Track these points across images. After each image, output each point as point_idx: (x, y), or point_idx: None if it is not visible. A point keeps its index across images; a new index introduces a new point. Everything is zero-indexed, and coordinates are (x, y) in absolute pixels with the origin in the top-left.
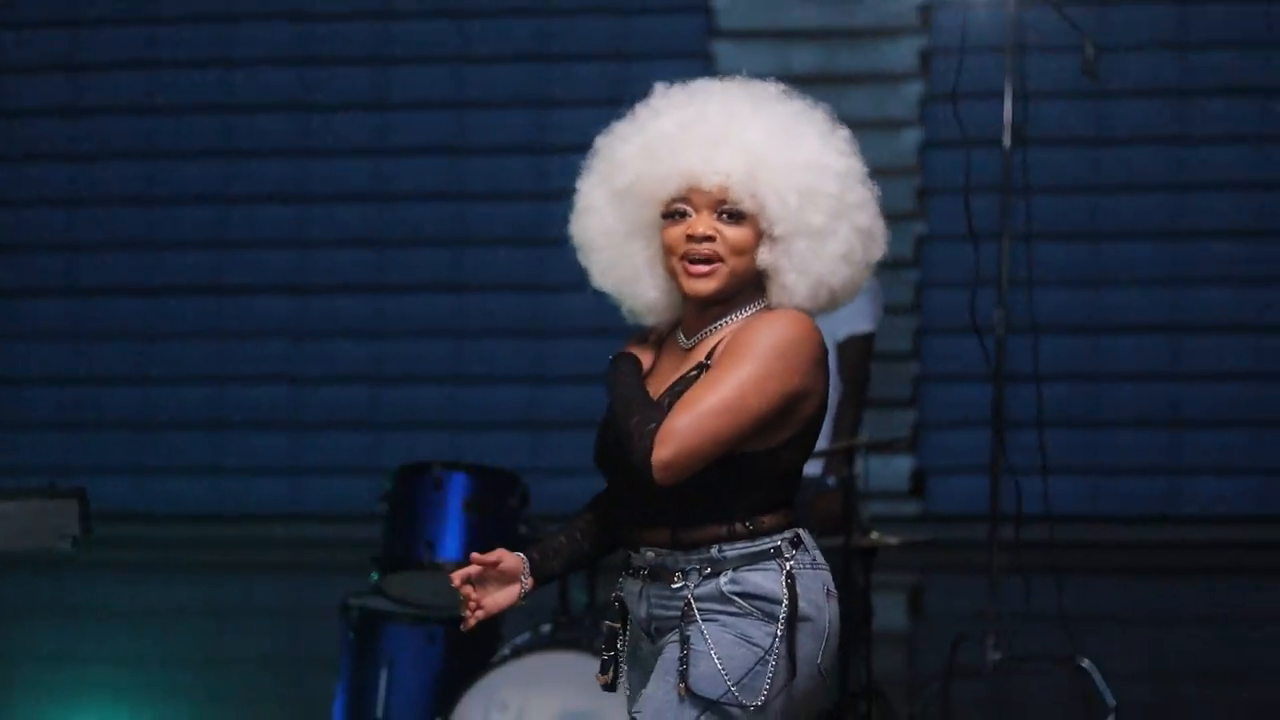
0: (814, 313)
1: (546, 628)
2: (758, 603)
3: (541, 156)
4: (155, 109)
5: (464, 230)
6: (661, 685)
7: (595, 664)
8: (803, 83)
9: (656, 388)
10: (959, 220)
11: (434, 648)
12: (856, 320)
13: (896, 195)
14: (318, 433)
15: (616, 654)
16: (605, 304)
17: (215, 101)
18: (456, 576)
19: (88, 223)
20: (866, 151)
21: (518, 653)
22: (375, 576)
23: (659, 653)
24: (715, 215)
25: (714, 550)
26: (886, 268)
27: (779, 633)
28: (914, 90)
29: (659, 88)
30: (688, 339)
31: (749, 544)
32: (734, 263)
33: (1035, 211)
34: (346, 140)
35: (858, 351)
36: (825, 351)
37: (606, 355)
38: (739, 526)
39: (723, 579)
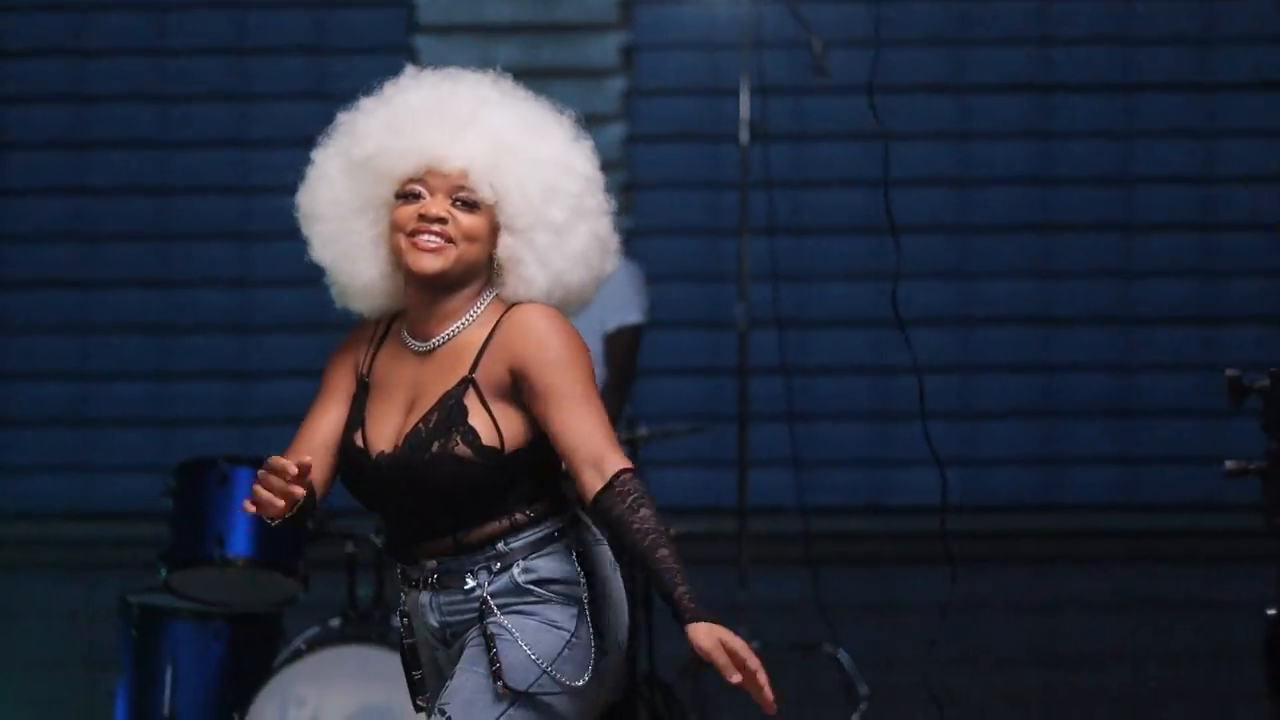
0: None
1: (335, 622)
2: (554, 587)
3: (243, 150)
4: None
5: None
6: (470, 676)
7: (387, 657)
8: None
9: (406, 397)
10: (666, 214)
11: (218, 644)
12: (625, 311)
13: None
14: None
15: (423, 673)
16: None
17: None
18: (291, 464)
19: None
20: None
21: (310, 648)
22: (164, 573)
23: (459, 655)
24: (450, 200)
25: (500, 545)
26: None
27: (583, 612)
28: (617, 85)
29: (409, 69)
30: (421, 341)
31: (533, 532)
32: (464, 248)
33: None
34: None
35: (626, 342)
36: None
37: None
38: (519, 517)
39: (515, 571)
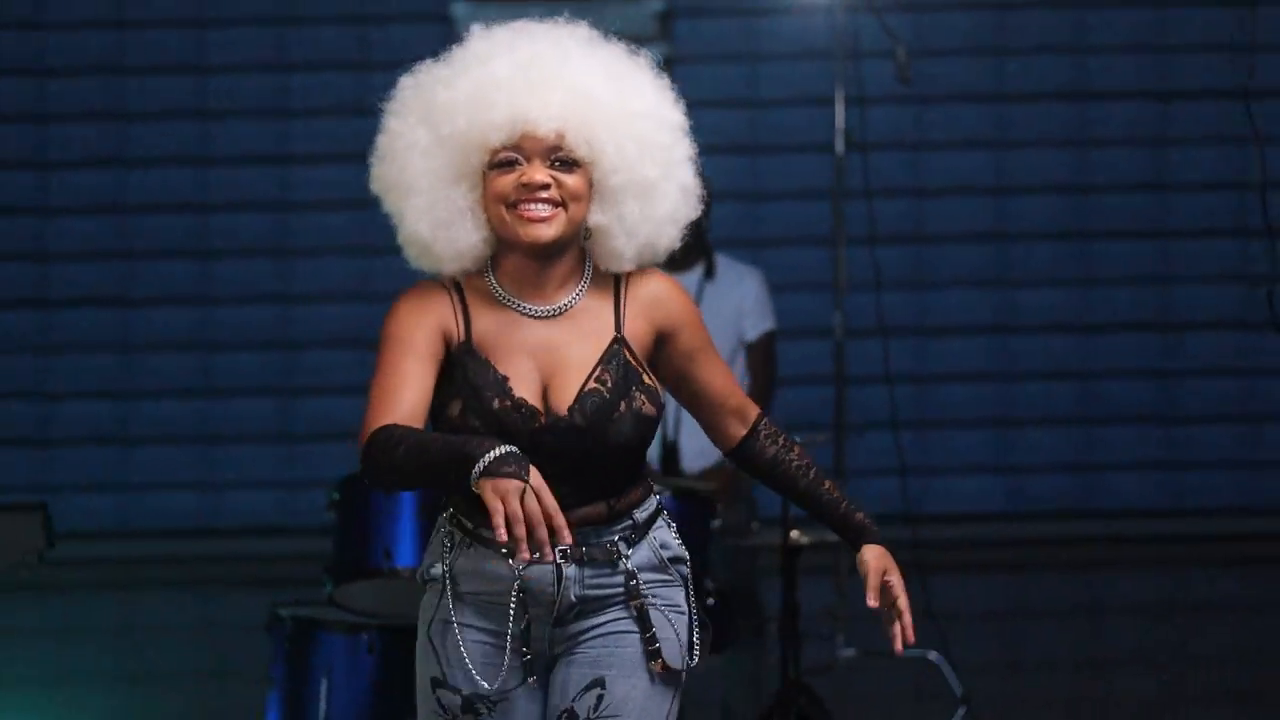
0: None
1: None
2: (680, 567)
3: (283, 166)
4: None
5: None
6: (636, 679)
7: None
8: None
9: (541, 361)
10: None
11: (370, 656)
12: (762, 319)
13: None
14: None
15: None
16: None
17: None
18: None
19: None
20: None
21: None
22: (329, 587)
23: (580, 634)
24: (548, 163)
25: (636, 514)
26: None
27: (689, 591)
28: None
29: (477, 30)
30: (538, 305)
31: (651, 501)
32: (573, 210)
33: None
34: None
35: (766, 349)
36: None
37: None
38: (644, 486)
39: (648, 544)
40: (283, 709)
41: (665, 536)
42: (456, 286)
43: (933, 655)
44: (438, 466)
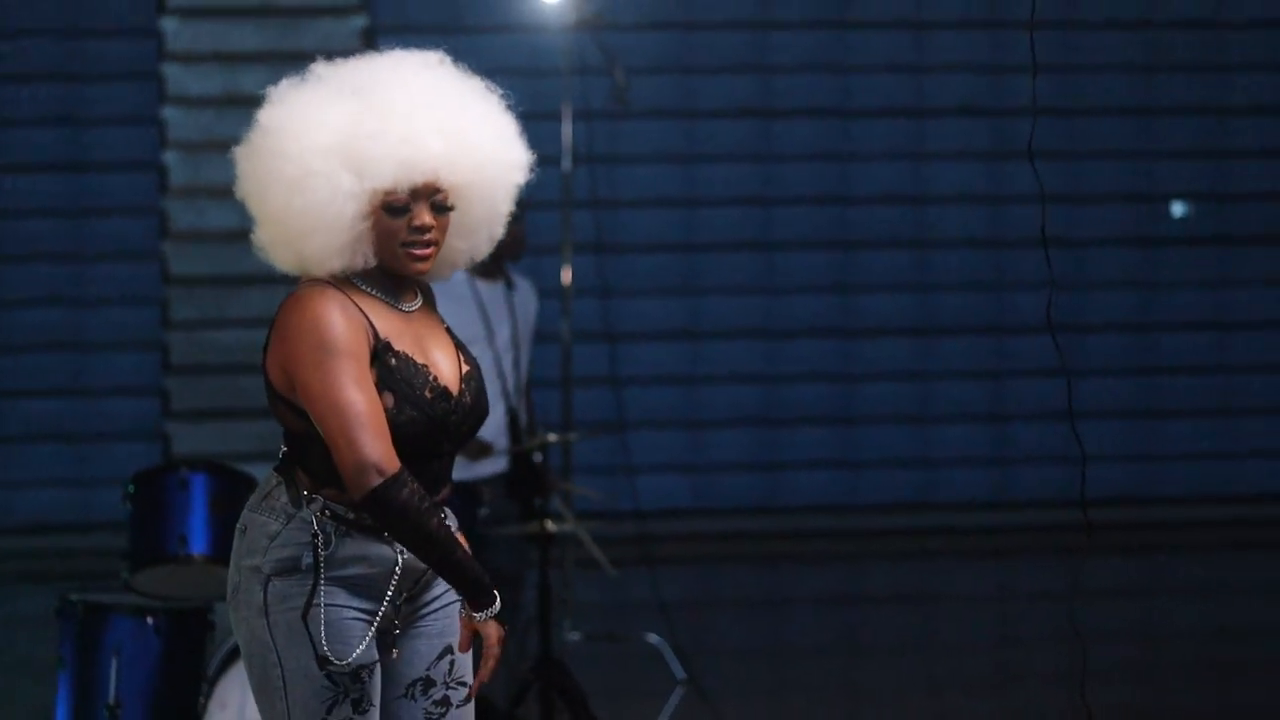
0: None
1: None
2: None
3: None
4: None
5: None
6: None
7: None
8: (252, 103)
9: (421, 350)
10: None
11: (158, 637)
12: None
13: None
14: None
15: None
16: None
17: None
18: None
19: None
20: None
21: None
22: (126, 574)
23: (422, 608)
24: (429, 206)
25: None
26: None
27: None
28: None
29: (376, 65)
30: (406, 303)
31: None
32: (443, 244)
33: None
34: None
35: None
36: None
37: None
38: None
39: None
40: (73, 688)
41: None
42: (347, 294)
43: (653, 638)
44: (454, 570)
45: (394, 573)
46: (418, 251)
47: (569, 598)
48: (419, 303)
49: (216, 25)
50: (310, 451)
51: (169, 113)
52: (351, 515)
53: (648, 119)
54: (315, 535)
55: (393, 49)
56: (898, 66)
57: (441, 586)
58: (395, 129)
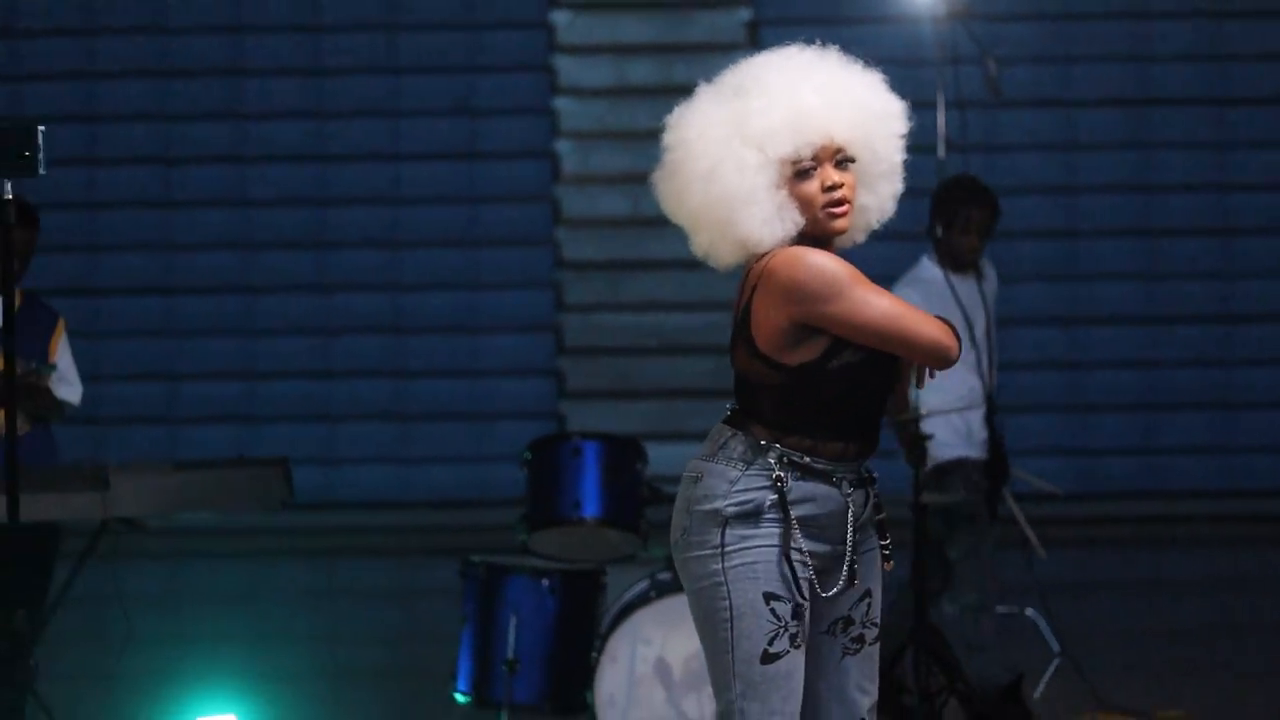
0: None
1: (665, 575)
2: None
3: (395, 163)
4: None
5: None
6: (880, 588)
7: None
8: (640, 94)
9: None
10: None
11: (553, 596)
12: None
13: None
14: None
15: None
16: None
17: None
18: None
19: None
20: None
21: (660, 592)
22: (523, 536)
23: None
24: (834, 164)
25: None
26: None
27: None
28: None
29: (759, 60)
30: None
31: None
32: (855, 200)
33: None
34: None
35: None
36: None
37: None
38: None
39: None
40: (474, 643)
41: None
42: None
43: (1030, 612)
44: None
45: (847, 513)
46: (837, 210)
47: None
48: None
49: (606, 18)
50: (769, 403)
51: (561, 103)
52: (806, 459)
53: (1022, 108)
54: (777, 478)
55: (777, 42)
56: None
57: (868, 534)
58: (779, 102)
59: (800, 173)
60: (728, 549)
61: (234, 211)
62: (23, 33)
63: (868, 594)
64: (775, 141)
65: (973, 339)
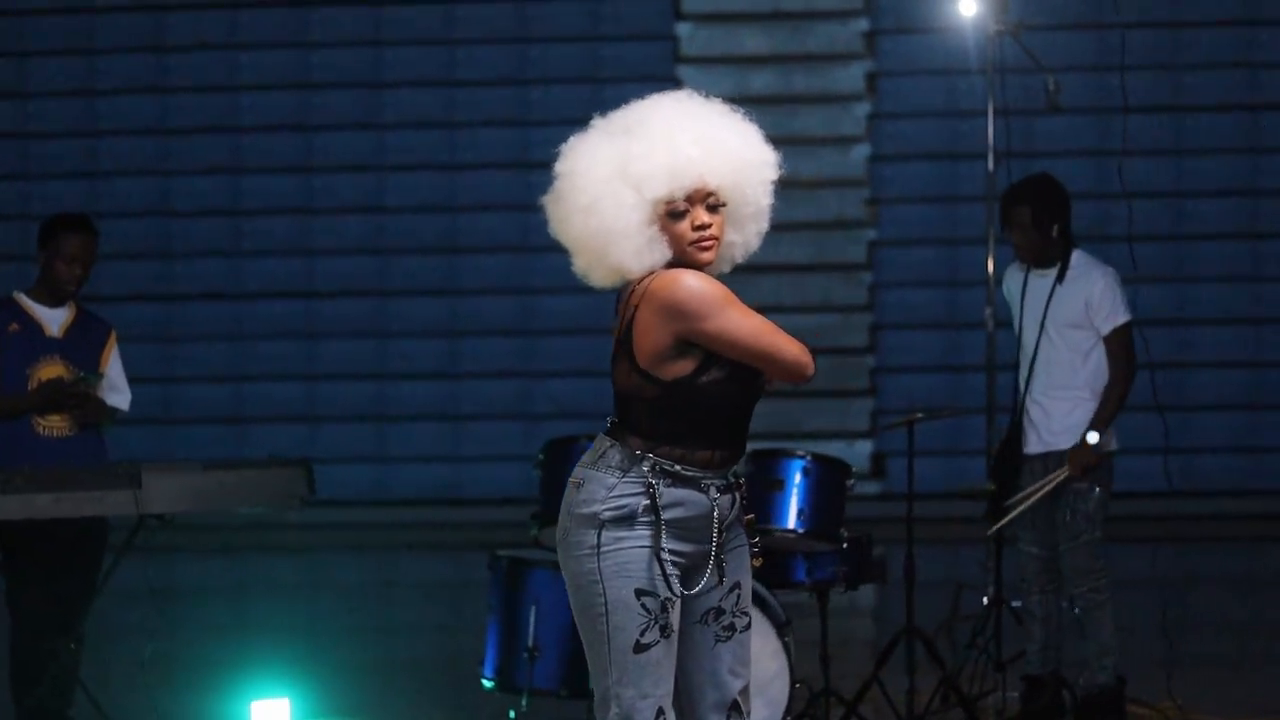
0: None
1: None
2: None
3: (527, 171)
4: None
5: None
6: (748, 579)
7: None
8: (761, 103)
9: None
10: (907, 227)
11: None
12: (1116, 313)
13: (848, 204)
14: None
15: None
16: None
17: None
18: None
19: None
20: (820, 165)
21: None
22: (534, 530)
23: (720, 549)
24: (705, 207)
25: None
26: (842, 270)
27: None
28: (862, 109)
29: (643, 104)
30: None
31: None
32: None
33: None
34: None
35: (1121, 340)
36: None
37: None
38: None
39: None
40: (500, 632)
41: None
42: None
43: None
44: None
45: (713, 515)
46: (704, 245)
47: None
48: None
49: (728, 29)
50: (645, 416)
51: None
52: (676, 468)
53: (1070, 115)
54: (650, 485)
55: (894, 51)
56: None
57: (735, 533)
58: (659, 147)
59: (673, 213)
60: (603, 549)
61: (298, 220)
62: (99, 50)
63: (736, 585)
64: (652, 184)
65: (1019, 329)
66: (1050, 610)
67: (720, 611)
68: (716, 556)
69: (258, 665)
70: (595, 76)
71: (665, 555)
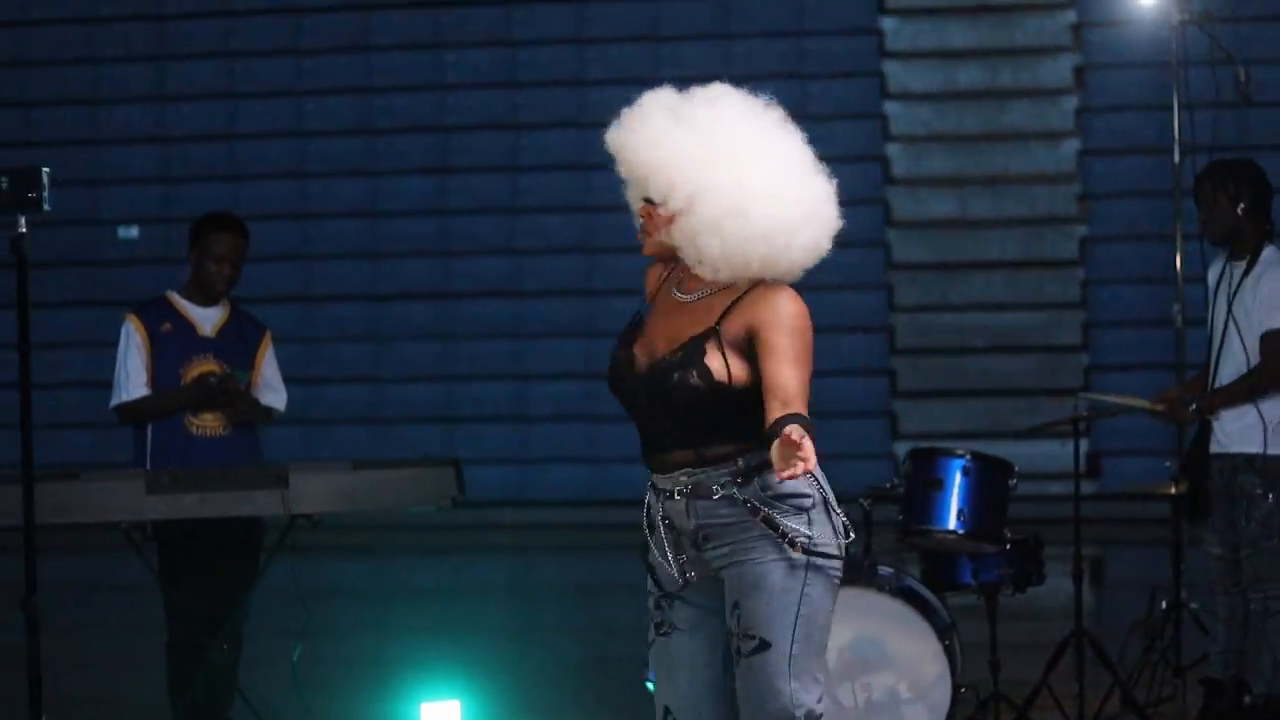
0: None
1: None
2: (790, 500)
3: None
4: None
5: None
6: (764, 566)
7: (876, 597)
8: (967, 98)
9: (662, 332)
10: (1118, 223)
11: None
12: (1273, 315)
13: (1058, 201)
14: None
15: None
16: None
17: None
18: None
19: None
20: (1030, 160)
21: None
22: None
23: (718, 558)
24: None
25: (739, 462)
26: (1054, 267)
27: (810, 521)
28: (1070, 103)
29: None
30: (684, 294)
31: (758, 455)
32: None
33: None
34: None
35: (1270, 344)
36: None
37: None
38: (749, 441)
39: (757, 484)
40: None
41: (775, 479)
42: (669, 273)
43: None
44: None
45: (645, 518)
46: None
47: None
48: (698, 297)
49: (934, 23)
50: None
51: (890, 107)
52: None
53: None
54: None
55: (1101, 44)
56: None
57: (733, 549)
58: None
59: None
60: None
61: (436, 220)
62: (239, 53)
63: (736, 606)
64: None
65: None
66: (1234, 612)
67: (730, 634)
68: (666, 558)
69: (414, 666)
70: (801, 72)
71: (652, 557)
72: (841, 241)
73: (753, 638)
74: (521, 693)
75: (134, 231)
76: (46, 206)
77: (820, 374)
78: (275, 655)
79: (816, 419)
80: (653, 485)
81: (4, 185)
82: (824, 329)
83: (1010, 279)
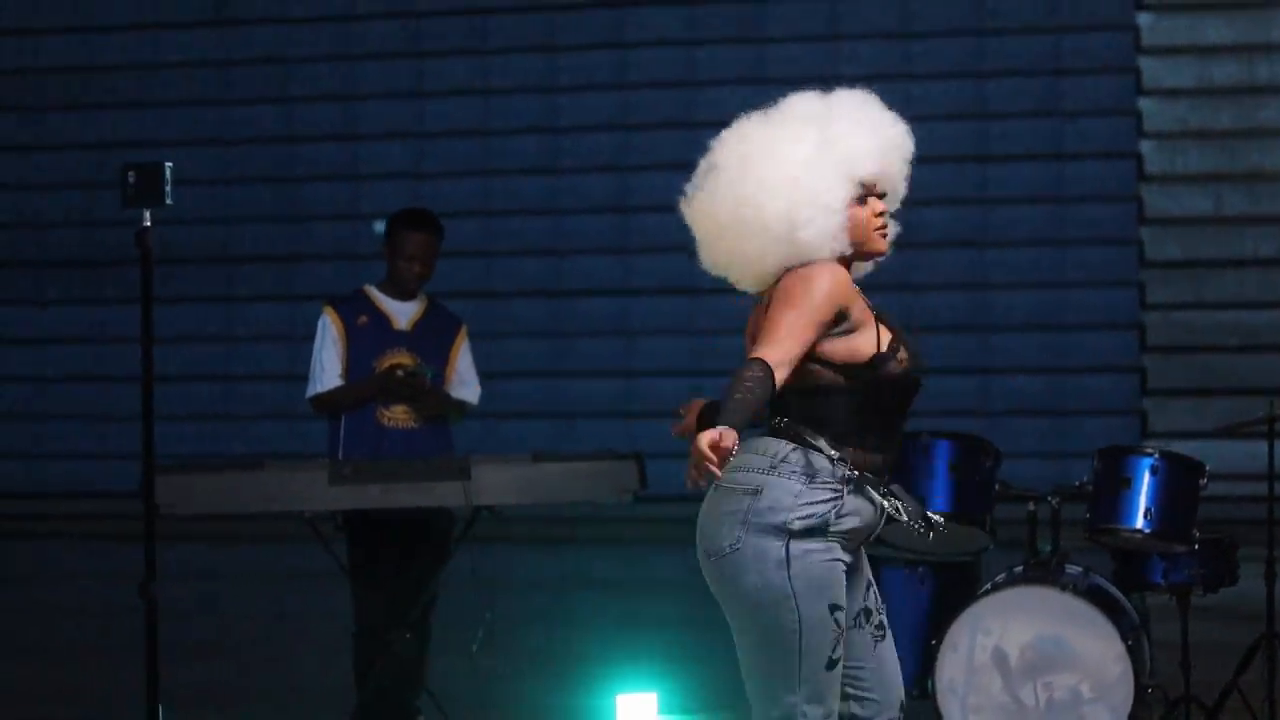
0: None
1: (1019, 568)
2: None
3: (983, 164)
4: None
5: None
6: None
7: (1060, 596)
8: (1223, 94)
9: (893, 327)
10: None
11: (924, 588)
12: None
13: None
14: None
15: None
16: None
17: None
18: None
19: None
20: None
21: (997, 587)
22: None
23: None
24: (877, 196)
25: None
26: None
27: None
28: None
29: (845, 94)
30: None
31: None
32: None
33: None
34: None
35: None
36: None
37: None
38: None
39: None
40: None
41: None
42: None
43: None
44: None
45: (879, 524)
46: (884, 231)
47: None
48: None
49: (1190, 19)
50: (831, 412)
51: (1145, 104)
52: (857, 473)
53: None
54: (836, 493)
55: None
56: None
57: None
58: (864, 129)
59: (861, 197)
60: (794, 561)
61: (616, 218)
62: (425, 53)
63: (870, 583)
64: (865, 163)
65: None
66: None
67: (869, 612)
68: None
69: (602, 658)
70: (1057, 68)
71: (840, 567)
72: (1094, 238)
73: (883, 611)
74: (715, 686)
75: (380, 226)
76: (168, 201)
77: (1070, 370)
78: (456, 647)
79: (1065, 417)
80: (869, 482)
81: (130, 181)
82: (1075, 326)
83: (1264, 277)
